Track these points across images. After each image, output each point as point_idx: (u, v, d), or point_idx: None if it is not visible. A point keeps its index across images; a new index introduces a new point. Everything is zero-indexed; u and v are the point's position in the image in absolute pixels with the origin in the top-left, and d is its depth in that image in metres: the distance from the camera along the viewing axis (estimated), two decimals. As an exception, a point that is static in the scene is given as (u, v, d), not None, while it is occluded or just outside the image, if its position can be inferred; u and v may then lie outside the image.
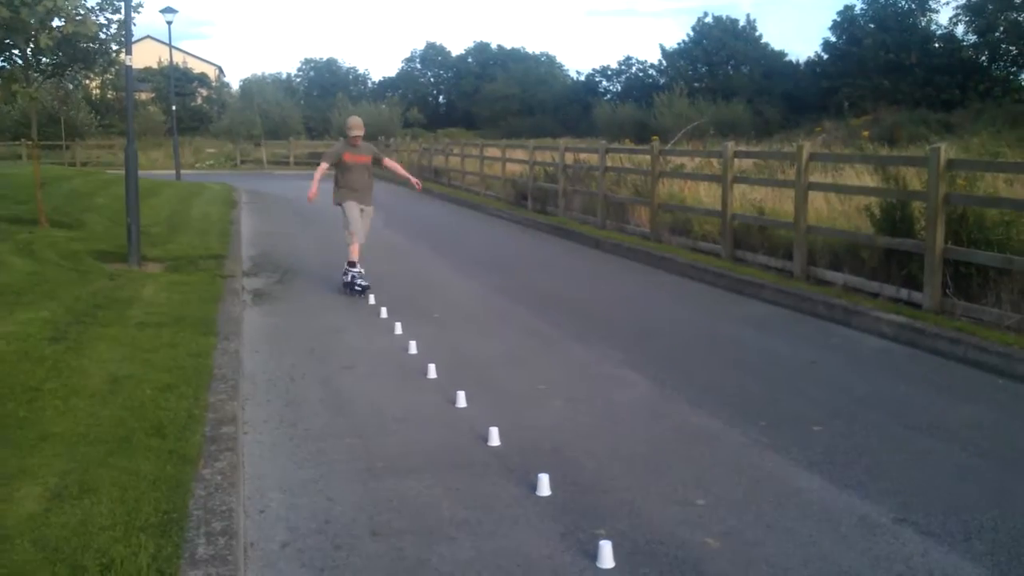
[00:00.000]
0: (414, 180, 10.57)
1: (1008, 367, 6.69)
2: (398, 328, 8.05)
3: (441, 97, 76.02)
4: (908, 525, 4.10)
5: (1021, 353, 6.71)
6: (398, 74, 76.62)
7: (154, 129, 51.32)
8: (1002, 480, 4.63)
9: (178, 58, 50.13)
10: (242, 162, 45.30)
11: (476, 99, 66.36)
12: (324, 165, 9.90)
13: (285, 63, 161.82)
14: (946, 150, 8.32)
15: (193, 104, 61.47)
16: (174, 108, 36.40)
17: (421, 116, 62.50)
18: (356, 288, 9.71)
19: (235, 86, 64.61)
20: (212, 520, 3.78)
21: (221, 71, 74.28)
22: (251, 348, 7.39)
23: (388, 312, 8.77)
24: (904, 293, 8.72)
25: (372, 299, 9.53)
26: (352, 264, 9.82)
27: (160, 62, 56.13)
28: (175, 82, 41.67)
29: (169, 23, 32.98)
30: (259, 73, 63.85)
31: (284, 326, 8.33)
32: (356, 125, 9.93)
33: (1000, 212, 8.15)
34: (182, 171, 34.18)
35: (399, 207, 22.70)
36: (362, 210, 9.98)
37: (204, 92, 64.49)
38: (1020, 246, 7.86)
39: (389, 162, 10.52)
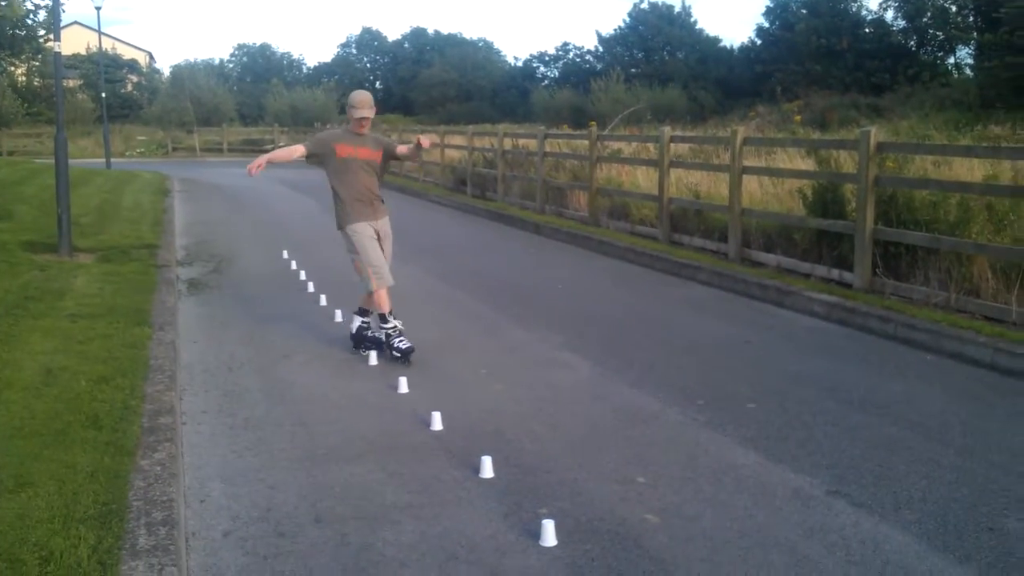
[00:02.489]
0: (421, 140, 6.75)
1: (936, 343, 6.90)
2: (338, 316, 8.01)
3: (378, 83, 75.29)
4: (840, 497, 4.23)
5: (948, 330, 6.92)
6: (334, 59, 75.72)
7: (83, 117, 49.98)
8: (930, 452, 4.79)
9: (107, 44, 48.92)
10: (174, 149, 44.38)
11: (413, 85, 65.87)
12: (298, 149, 6.73)
13: (217, 49, 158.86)
14: (876, 133, 8.52)
15: (123, 91, 60.04)
16: (103, 95, 35.47)
17: (358, 102, 61.76)
18: (396, 353, 6.58)
19: (166, 72, 63.29)
20: (152, 511, 3.75)
21: (151, 57, 72.70)
22: (187, 338, 7.29)
23: (328, 300, 8.72)
24: (835, 273, 8.93)
25: (311, 287, 9.45)
26: (384, 319, 6.65)
27: (88, 48, 54.74)
28: (104, 69, 40.63)
29: (98, 8, 32.15)
30: (191, 59, 62.26)
31: (221, 315, 8.23)
32: (364, 102, 6.60)
33: (928, 193, 8.38)
34: (112, 159, 33.36)
35: (337, 194, 22.55)
36: (378, 233, 6.77)
37: (134, 79, 63.03)
38: (947, 226, 8.09)
39: (403, 149, 6.91)
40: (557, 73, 62.94)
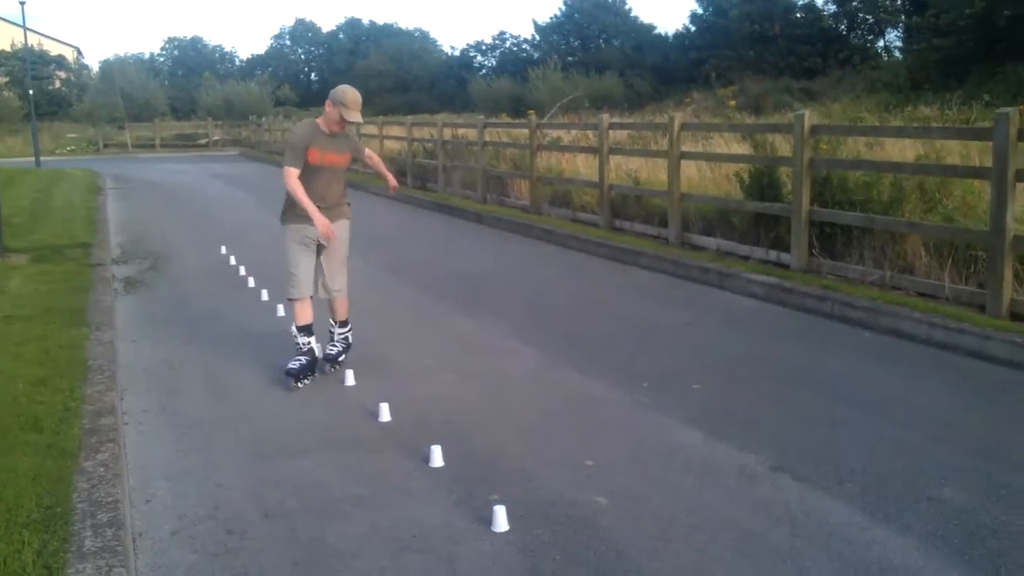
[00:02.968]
0: (391, 179, 6.62)
1: (872, 320, 7.07)
2: (280, 311, 7.92)
3: (313, 74, 74.55)
4: (784, 473, 4.32)
5: (884, 307, 7.09)
6: (267, 51, 74.78)
7: (10, 115, 48.58)
8: (869, 426, 4.91)
9: (33, 40, 47.53)
10: (105, 146, 43.41)
11: (349, 76, 65.13)
12: (294, 173, 5.75)
13: (147, 43, 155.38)
14: (810, 117, 8.67)
15: (51, 88, 58.40)
16: (31, 92, 34.54)
17: (293, 94, 61.15)
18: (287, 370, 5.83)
19: (95, 68, 61.86)
20: (98, 512, 3.68)
21: (79, 52, 70.79)
22: (126, 337, 7.16)
23: (269, 295, 8.62)
24: (773, 255, 9.09)
25: (251, 282, 9.34)
26: (302, 331, 5.98)
27: (14, 44, 53.15)
28: (31, 65, 39.52)
29: (22, 3, 31.27)
30: (120, 54, 61.18)
31: (159, 314, 8.09)
32: (357, 103, 5.81)
33: (862, 174, 8.56)
34: (42, 158, 32.52)
35: (271, 186, 22.21)
36: (326, 239, 5.90)
37: (62, 75, 61.40)
38: (881, 206, 8.28)
39: (371, 154, 6.64)
40: (494, 62, 62.93)
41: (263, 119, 41.22)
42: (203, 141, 44.99)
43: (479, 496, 4.12)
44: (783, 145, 9.99)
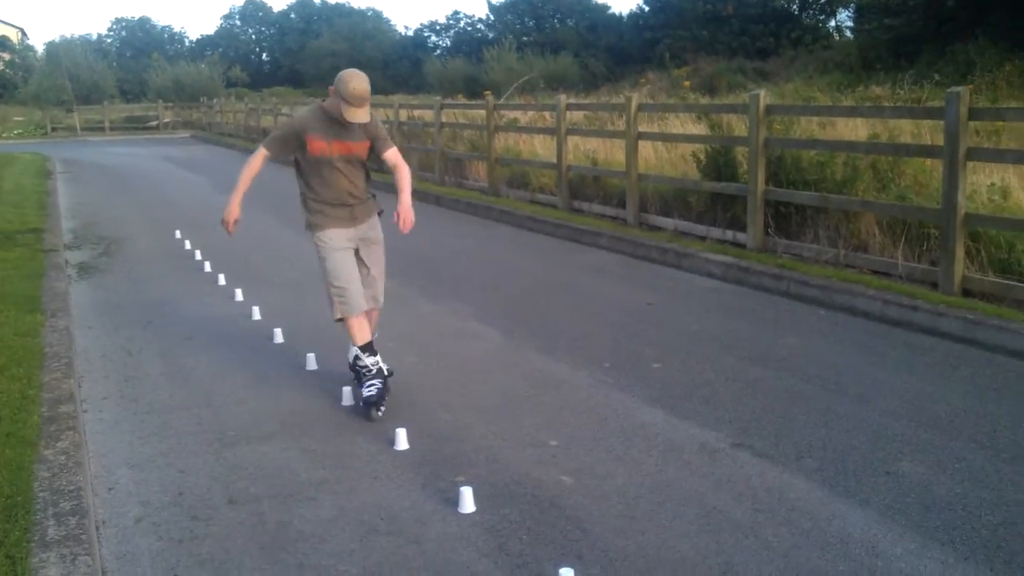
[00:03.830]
0: (404, 209, 4.98)
1: (827, 298, 7.18)
2: (238, 295, 7.86)
3: (264, 55, 73.56)
4: (745, 449, 4.39)
5: (839, 285, 7.21)
6: (217, 32, 73.64)
7: (-46, 99, 47.44)
8: (827, 402, 5.00)
9: (-27, 19, 46.32)
10: (54, 130, 42.47)
11: (302, 56, 64.58)
12: (260, 156, 5.17)
13: (94, 23, 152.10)
14: (764, 97, 8.76)
15: (-6, 69, 57.12)
16: (-28, 73, 33.69)
17: (244, 75, 60.33)
18: (360, 403, 5.04)
19: (40, 49, 60.43)
20: (60, 501, 3.64)
21: (24, 33, 69.18)
22: (82, 324, 7.05)
23: (226, 279, 8.54)
24: (730, 234, 9.19)
25: (208, 266, 9.23)
26: (365, 351, 5.09)
27: (-46, 25, 51.81)
28: (-29, 45, 38.51)
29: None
30: (66, 35, 59.86)
31: (115, 299, 7.97)
32: (358, 95, 4.74)
33: (816, 154, 8.67)
34: (-14, 141, 31.79)
35: (225, 168, 21.97)
36: (361, 242, 5.22)
37: (6, 56, 59.96)
38: (834, 185, 8.40)
39: (393, 156, 5.16)
40: (449, 42, 62.56)
41: (214, 101, 40.68)
42: (154, 124, 44.23)
43: (445, 478, 4.14)
44: (738, 125, 10.08)
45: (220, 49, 66.95)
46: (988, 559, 3.32)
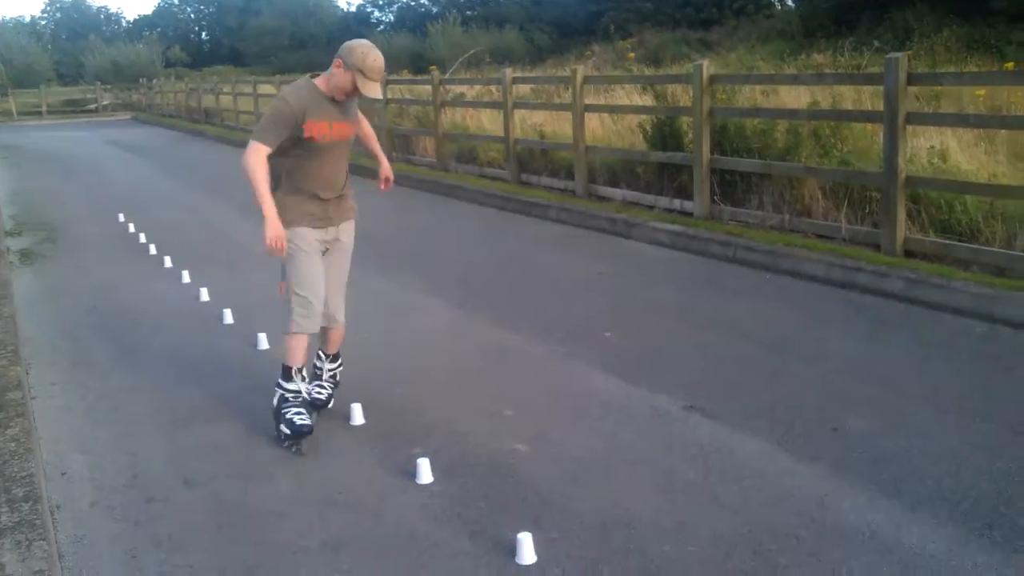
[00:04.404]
0: (385, 167, 5.03)
1: (773, 263, 7.30)
2: (185, 276, 7.77)
3: (204, 34, 72.20)
4: (696, 411, 4.47)
5: (784, 249, 7.33)
6: (155, 11, 72.07)
7: None
8: (774, 364, 5.10)
9: None
10: (-12, 115, 41.37)
11: (242, 35, 63.40)
12: (262, 155, 4.16)
13: (26, 5, 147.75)
14: (708, 66, 8.82)
15: (-78, 54, 55.33)
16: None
17: (184, 55, 59.17)
18: (281, 430, 4.29)
19: (-31, 31, 58.61)
20: (12, 487, 3.60)
21: (-49, 15, 67.08)
22: (26, 311, 6.92)
23: (172, 261, 8.43)
24: (677, 203, 9.27)
25: (153, 249, 9.10)
26: (287, 375, 4.40)
27: None
28: None
29: None
30: (-4, 16, 58.26)
31: (59, 285, 7.83)
32: (377, 68, 4.20)
33: (759, 122, 8.77)
34: (-83, 128, 30.86)
35: (167, 150, 21.62)
36: (329, 245, 4.56)
37: (-67, 39, 58.13)
38: (778, 152, 8.51)
39: (365, 124, 4.79)
40: (392, 18, 61.88)
41: (154, 82, 39.89)
42: (93, 106, 43.25)
43: (402, 451, 4.16)
44: (683, 95, 10.13)
45: (158, 29, 65.55)
46: (933, 509, 3.43)
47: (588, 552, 3.24)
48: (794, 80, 9.88)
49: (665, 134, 9.61)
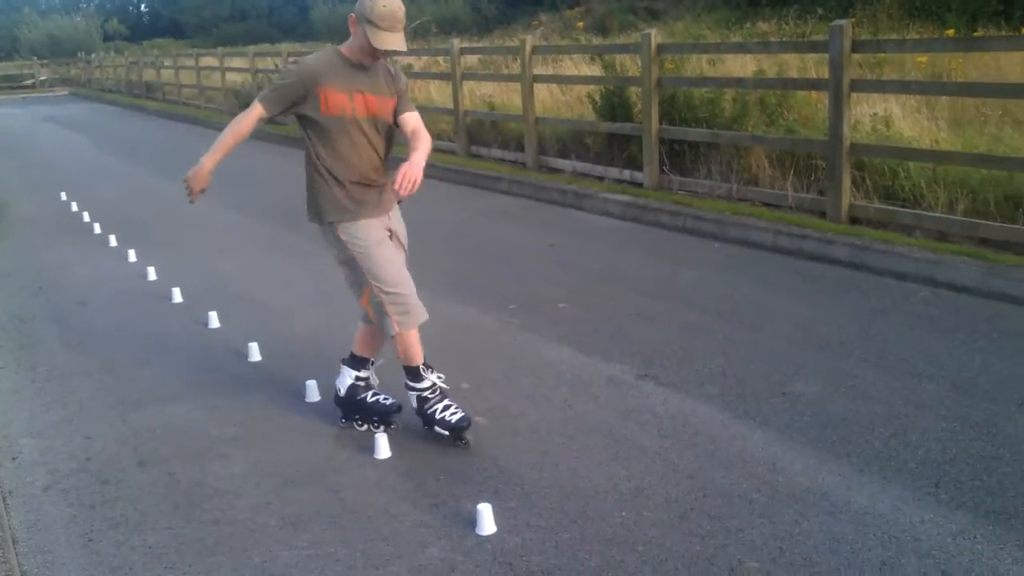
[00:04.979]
0: (408, 168, 3.60)
1: (722, 232, 7.39)
2: (132, 255, 7.65)
3: (143, 6, 70.39)
4: (649, 379, 4.53)
5: (732, 218, 7.42)
6: (91, -17, 70.01)
7: None
8: (725, 331, 5.18)
9: None
10: (-83, 92, 40.04)
11: (182, 6, 61.94)
12: (253, 115, 3.81)
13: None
14: (656, 36, 8.84)
15: None
16: None
17: (123, 28, 57.71)
18: (441, 429, 3.94)
19: None
20: (-40, 474, 3.54)
21: None
22: (-32, 293, 6.78)
23: (117, 240, 8.28)
24: (627, 174, 9.32)
25: (97, 228, 8.93)
26: (416, 374, 4.00)
27: None
28: None
29: None
30: (-77, -12, 56.23)
31: (2, 267, 7.66)
32: (387, 14, 3.57)
33: (707, 91, 8.82)
34: None
35: (108, 126, 21.16)
36: (390, 233, 4.14)
37: None
38: (725, 121, 8.59)
39: (415, 119, 3.95)
40: (336, -12, 60.93)
41: (92, 56, 38.89)
42: (29, 82, 42.06)
43: (359, 426, 4.16)
44: (631, 65, 10.15)
45: (96, 1, 63.89)
46: (881, 469, 3.53)
47: (547, 521, 3.28)
48: (740, 49, 9.94)
49: (614, 104, 9.64)
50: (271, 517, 3.43)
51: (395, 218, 4.16)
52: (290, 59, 15.93)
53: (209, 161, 3.81)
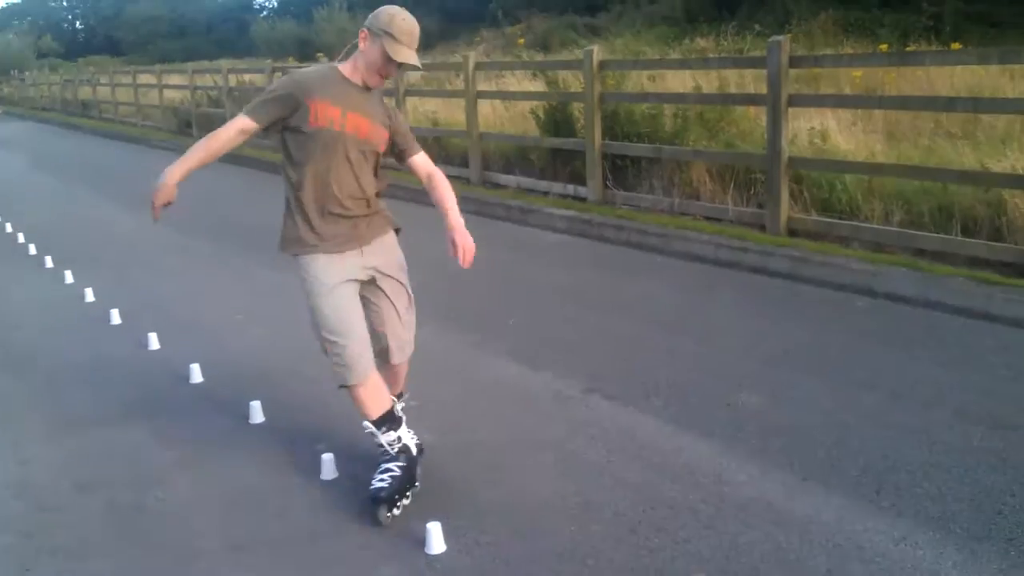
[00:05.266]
0: (463, 239, 3.78)
1: (666, 245, 7.47)
2: (68, 277, 7.48)
3: (78, 23, 69.32)
4: (596, 393, 4.56)
5: (675, 232, 7.51)
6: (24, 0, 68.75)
7: None
8: (669, 343, 5.23)
9: None
10: None
11: (118, 23, 61.12)
12: (235, 128, 3.56)
13: None
14: (598, 52, 8.93)
15: None
16: None
17: (57, 45, 56.74)
18: (375, 487, 3.50)
19: None
20: None
21: None
22: None
23: (53, 261, 8.10)
24: (571, 189, 9.38)
25: (33, 249, 8.73)
26: (382, 424, 3.59)
27: None
28: None
29: None
30: None
31: (-68, 289, 7.45)
32: (407, 30, 3.42)
33: (648, 106, 8.93)
34: None
35: (43, 144, 20.72)
36: (373, 273, 3.82)
37: None
38: (667, 136, 8.70)
39: (425, 161, 3.92)
40: (276, 3, 60.55)
41: (26, 73, 38.14)
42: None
43: (305, 447, 4.11)
44: (574, 82, 10.24)
45: (29, 18, 62.71)
46: (824, 478, 3.58)
47: (497, 538, 3.27)
48: (680, 65, 10.10)
49: (558, 120, 9.71)
50: (214, 541, 3.37)
51: (380, 251, 3.80)
52: (279, 73, 15.78)
53: (173, 174, 3.57)
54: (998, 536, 3.12)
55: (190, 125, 18.67)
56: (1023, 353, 4.85)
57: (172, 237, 9.12)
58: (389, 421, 3.60)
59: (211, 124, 17.82)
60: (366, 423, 3.57)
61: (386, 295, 3.81)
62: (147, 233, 9.04)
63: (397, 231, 3.95)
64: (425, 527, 3.24)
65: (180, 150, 13.27)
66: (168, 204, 3.65)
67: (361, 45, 3.51)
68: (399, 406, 3.83)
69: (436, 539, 3.21)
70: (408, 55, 3.43)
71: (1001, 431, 3.91)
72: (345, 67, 3.54)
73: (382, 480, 3.51)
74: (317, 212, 3.54)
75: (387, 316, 3.78)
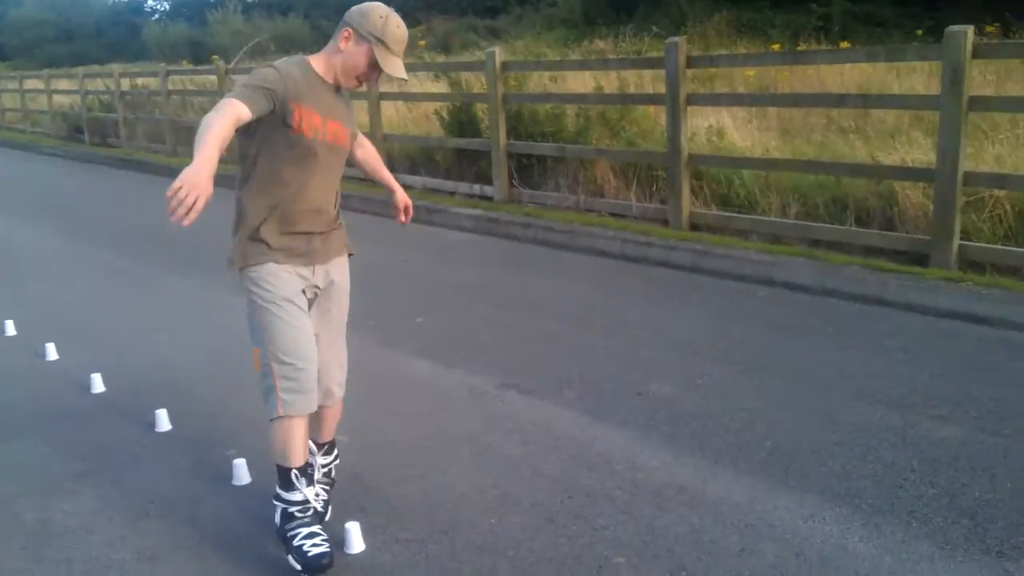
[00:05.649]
0: (400, 196, 3.89)
1: (572, 242, 7.56)
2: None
3: (-43, 26, 66.23)
4: (510, 388, 4.59)
5: (581, 228, 7.61)
6: None
7: None
8: (582, 338, 5.31)
9: None
10: None
11: (2, 27, 58.72)
12: (232, 113, 2.82)
13: None
14: (500, 54, 8.99)
15: None
16: None
17: (-65, 50, 54.15)
18: (293, 558, 3.04)
19: None
20: None
21: None
22: None
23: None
24: (477, 188, 9.42)
25: (-84, 261, 8.32)
26: (287, 480, 3.13)
27: None
28: None
29: None
30: None
31: None
32: (399, 38, 3.17)
33: (551, 107, 9.03)
34: None
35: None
36: (318, 292, 3.29)
37: None
38: (570, 135, 8.81)
39: (366, 144, 3.71)
40: (168, 7, 59.01)
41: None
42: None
43: (215, 453, 4.03)
44: (477, 83, 10.28)
45: (-100, 21, 59.61)
46: (734, 461, 3.69)
47: (415, 534, 3.27)
48: (581, 66, 10.24)
49: (462, 121, 9.73)
50: (127, 552, 3.28)
51: (336, 267, 3.35)
52: (173, 76, 15.32)
53: (208, 162, 2.72)
54: (900, 509, 3.27)
55: (81, 131, 18.05)
56: (917, 336, 5.08)
57: (71, 245, 8.83)
58: (307, 477, 3.21)
59: (103, 129, 17.33)
60: (290, 472, 3.11)
61: (324, 321, 3.31)
62: (34, 240, 8.74)
63: (350, 255, 3.47)
64: (344, 527, 3.21)
65: (70, 156, 13.09)
66: (207, 200, 2.80)
67: (342, 45, 3.15)
68: (323, 460, 3.46)
69: (355, 538, 3.19)
70: (399, 68, 3.15)
71: (899, 410, 4.09)
72: (318, 63, 3.15)
73: (315, 543, 3.04)
74: (280, 222, 3.15)
75: (321, 345, 3.24)
